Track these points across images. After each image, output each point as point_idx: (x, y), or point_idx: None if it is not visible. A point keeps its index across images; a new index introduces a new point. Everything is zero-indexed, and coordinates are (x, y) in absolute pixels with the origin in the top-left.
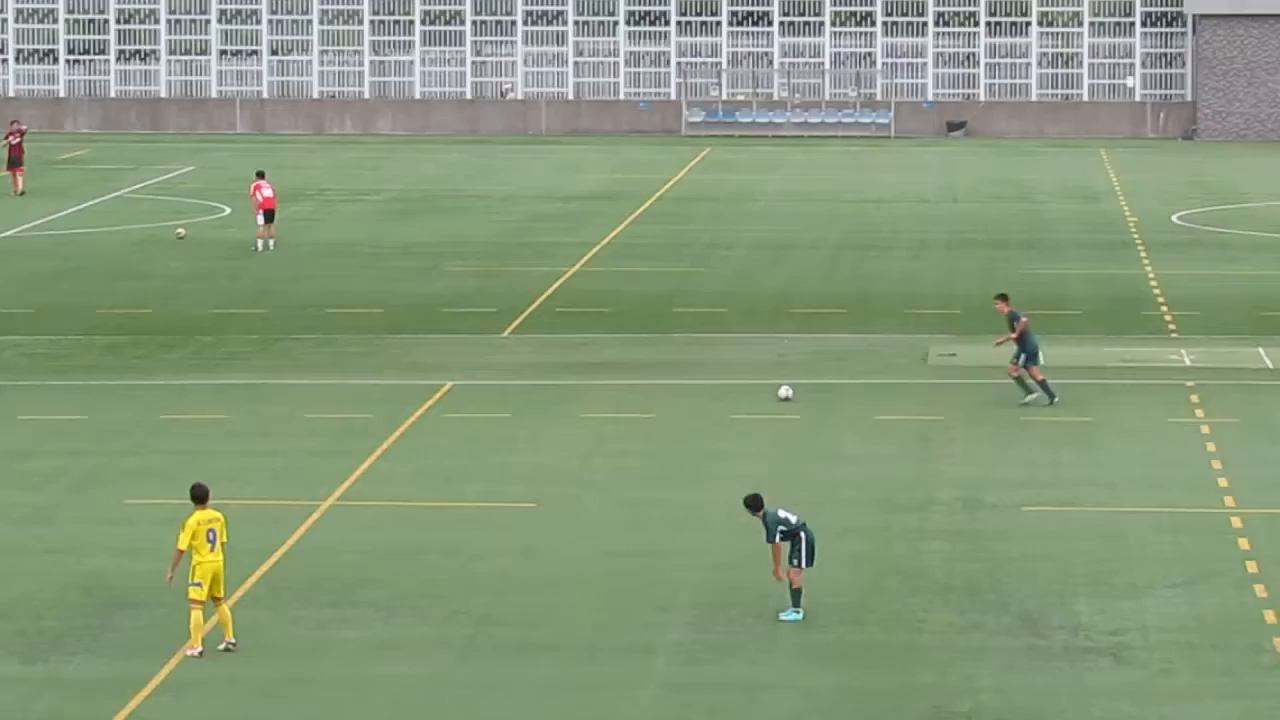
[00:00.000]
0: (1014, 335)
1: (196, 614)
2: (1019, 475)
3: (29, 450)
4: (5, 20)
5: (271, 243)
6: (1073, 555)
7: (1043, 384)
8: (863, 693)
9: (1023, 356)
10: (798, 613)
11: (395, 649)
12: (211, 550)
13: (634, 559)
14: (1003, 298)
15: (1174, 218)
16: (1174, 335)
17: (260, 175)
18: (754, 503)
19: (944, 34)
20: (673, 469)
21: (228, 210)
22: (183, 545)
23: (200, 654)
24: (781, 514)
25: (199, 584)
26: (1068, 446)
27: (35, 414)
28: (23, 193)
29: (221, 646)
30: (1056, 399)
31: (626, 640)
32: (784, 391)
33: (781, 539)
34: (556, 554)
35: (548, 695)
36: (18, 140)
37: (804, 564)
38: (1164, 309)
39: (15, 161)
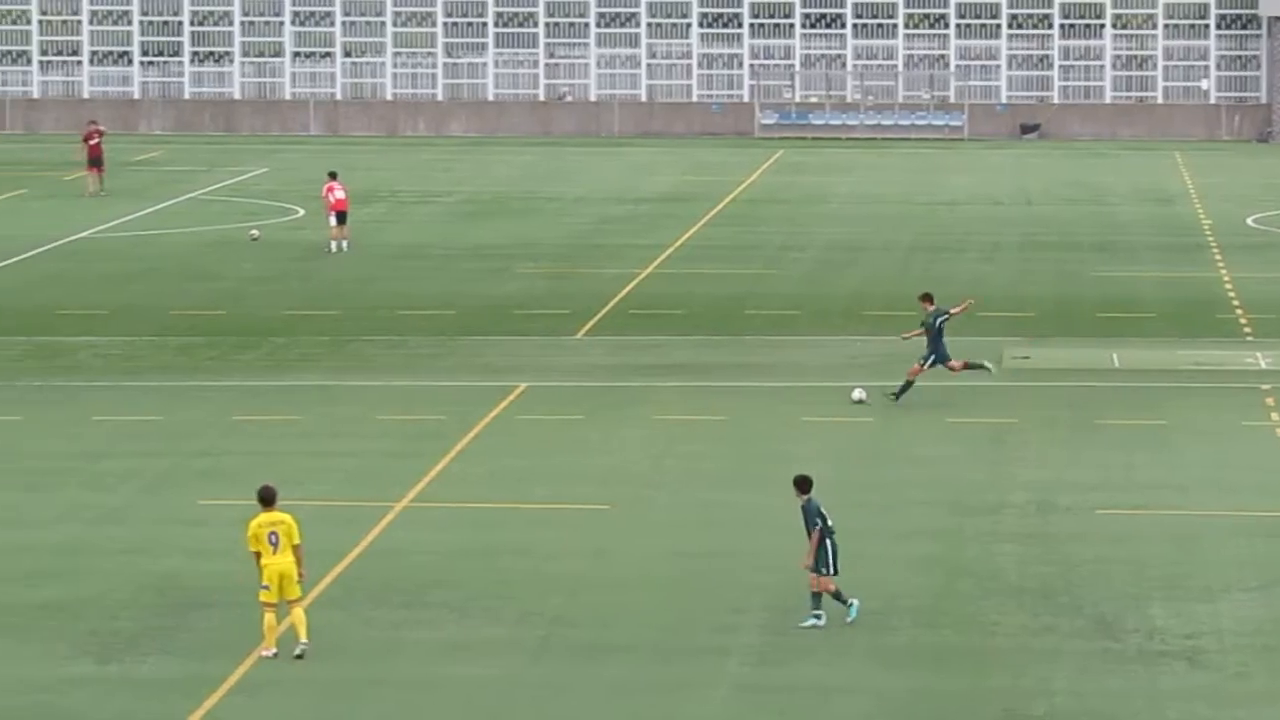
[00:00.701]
0: (920, 332)
1: (269, 616)
2: (1092, 478)
3: (103, 451)
4: (81, 22)
5: (345, 244)
6: (1146, 558)
7: (909, 384)
8: (935, 695)
9: (932, 358)
10: (819, 618)
11: (467, 650)
12: (275, 552)
13: (705, 560)
14: (926, 298)
15: (1249, 220)
16: (1249, 338)
17: (332, 176)
18: (803, 484)
19: (1018, 36)
20: (744, 471)
21: (301, 212)
22: (251, 548)
23: (274, 655)
24: (822, 509)
25: (267, 586)
26: (1141, 449)
27: (109, 415)
28: (102, 193)
29: (295, 651)
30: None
31: (698, 641)
32: (857, 394)
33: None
34: (628, 555)
35: (619, 696)
36: (97, 141)
37: (833, 570)
38: (1238, 312)
39: (95, 162)
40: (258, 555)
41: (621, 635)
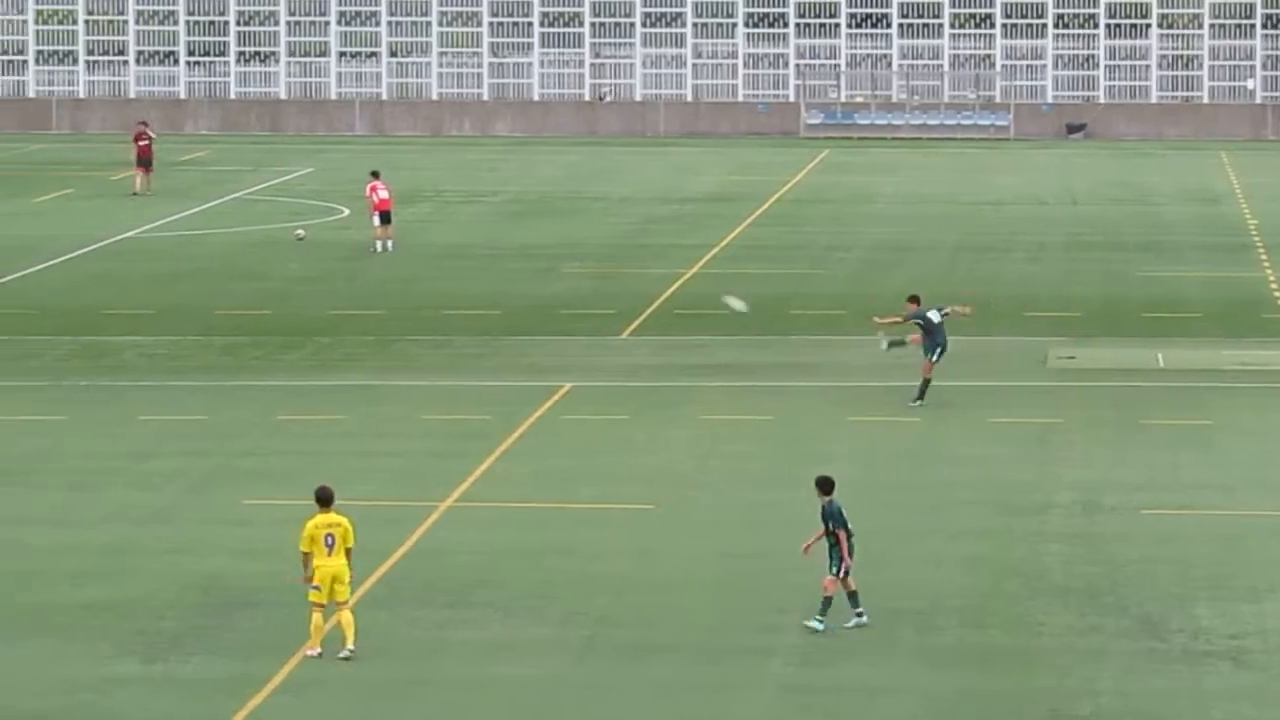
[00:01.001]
0: (905, 323)
1: (316, 616)
2: (1138, 478)
3: (149, 451)
4: (127, 22)
5: (390, 244)
6: (1192, 558)
7: (927, 382)
8: (981, 695)
9: (939, 350)
10: (822, 623)
11: (512, 650)
12: (330, 554)
13: (751, 560)
14: (914, 299)
15: None
16: None
17: (375, 175)
18: (825, 485)
19: (1063, 36)
20: (789, 471)
21: (346, 212)
22: (303, 548)
23: (319, 655)
24: (843, 511)
25: (318, 587)
26: (1186, 449)
27: (155, 414)
28: (149, 193)
29: (341, 655)
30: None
31: (743, 642)
32: (735, 304)
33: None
34: (673, 555)
35: (664, 696)
36: (146, 142)
37: (840, 574)
38: None
39: (144, 162)
40: (309, 555)
41: (666, 635)
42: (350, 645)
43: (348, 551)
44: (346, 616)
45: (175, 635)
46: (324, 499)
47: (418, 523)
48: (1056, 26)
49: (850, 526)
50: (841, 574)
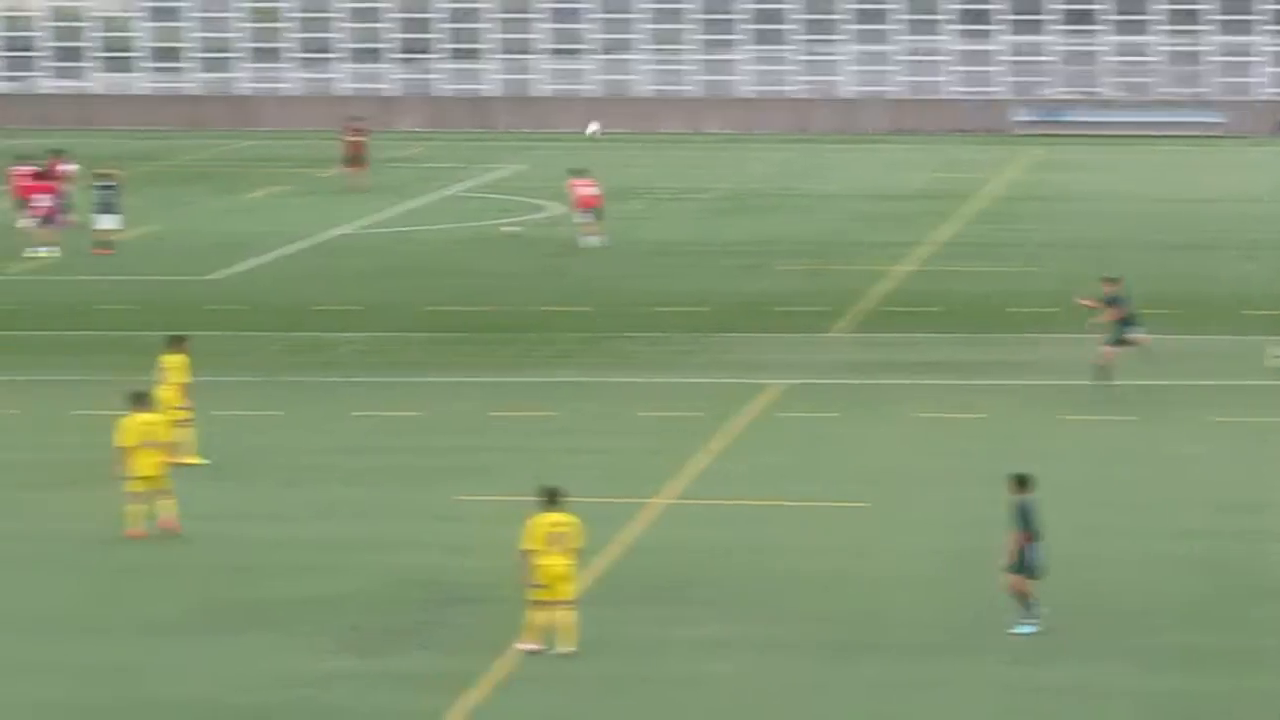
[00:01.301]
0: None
1: (538, 614)
2: None
3: (361, 446)
4: (338, 20)
5: (599, 240)
6: None
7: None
8: (1199, 697)
9: (1124, 331)
10: (1032, 623)
11: (727, 647)
12: (555, 554)
13: (965, 559)
14: (1111, 280)
15: None
16: None
17: (576, 173)
18: (1021, 482)
19: (1276, 32)
20: (1002, 470)
21: (556, 208)
22: (527, 546)
23: (538, 652)
24: (1034, 511)
25: (541, 585)
26: None
27: (367, 410)
28: (362, 190)
29: (561, 652)
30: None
31: (958, 641)
32: (592, 128)
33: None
34: (887, 553)
35: (879, 694)
36: (360, 140)
37: (1032, 574)
38: None
39: (357, 160)
40: (532, 553)
41: (881, 634)
42: (570, 644)
43: (574, 551)
44: (569, 615)
45: (390, 630)
46: (551, 498)
47: (630, 519)
48: (1272, 22)
49: (1034, 528)
50: (1017, 570)
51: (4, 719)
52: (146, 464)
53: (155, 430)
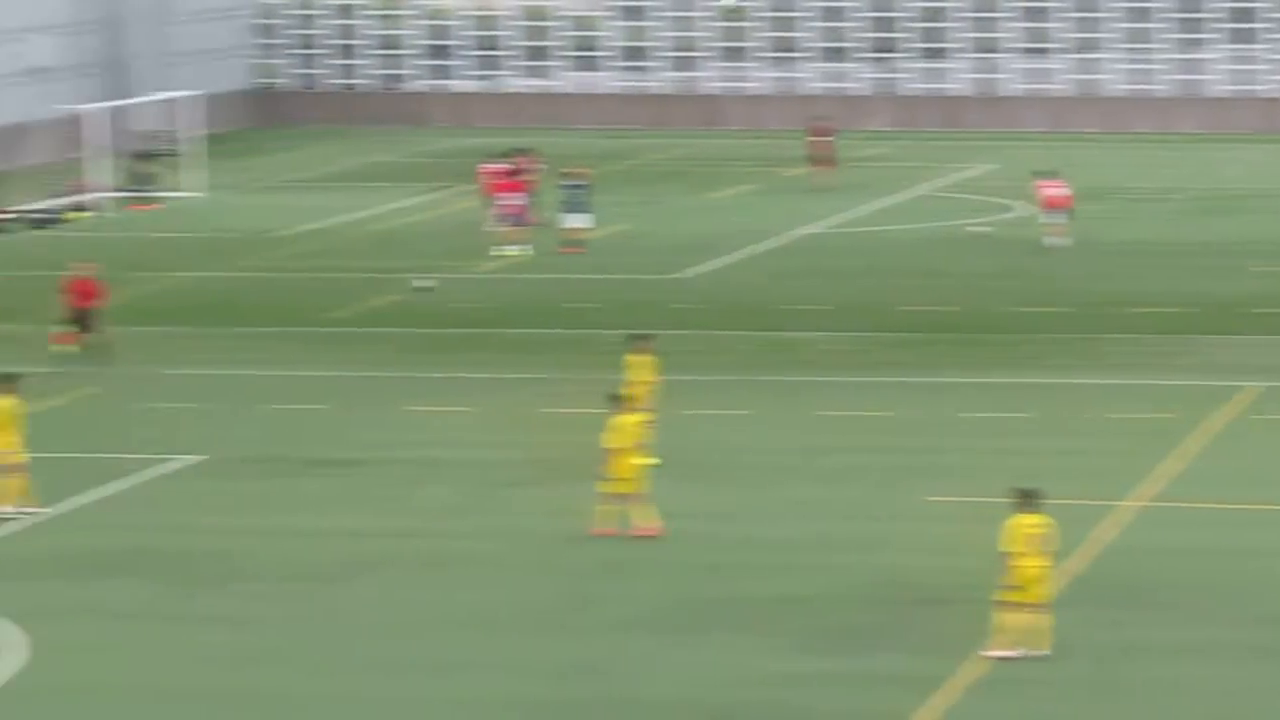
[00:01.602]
0: None
1: (1015, 616)
2: None
3: (829, 446)
4: (805, 19)
5: (1063, 240)
6: None
7: None
8: None
9: None
10: None
11: (1203, 652)
12: (1034, 556)
13: None
14: None
15: None
16: None
17: (1044, 174)
18: None
19: None
20: None
21: (1026, 209)
22: (1008, 548)
23: (1013, 656)
24: None
25: (1018, 587)
26: None
27: (835, 410)
28: (828, 189)
29: (1035, 655)
30: None
31: None
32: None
33: None
34: None
35: None
36: (827, 139)
37: None
38: None
39: (823, 159)
40: (1010, 555)
41: None
42: (1044, 647)
43: (1050, 554)
44: (1044, 619)
45: (859, 630)
46: (1029, 500)
47: (1102, 522)
48: None
49: None
50: None
51: (485, 716)
52: (628, 466)
53: (642, 432)
